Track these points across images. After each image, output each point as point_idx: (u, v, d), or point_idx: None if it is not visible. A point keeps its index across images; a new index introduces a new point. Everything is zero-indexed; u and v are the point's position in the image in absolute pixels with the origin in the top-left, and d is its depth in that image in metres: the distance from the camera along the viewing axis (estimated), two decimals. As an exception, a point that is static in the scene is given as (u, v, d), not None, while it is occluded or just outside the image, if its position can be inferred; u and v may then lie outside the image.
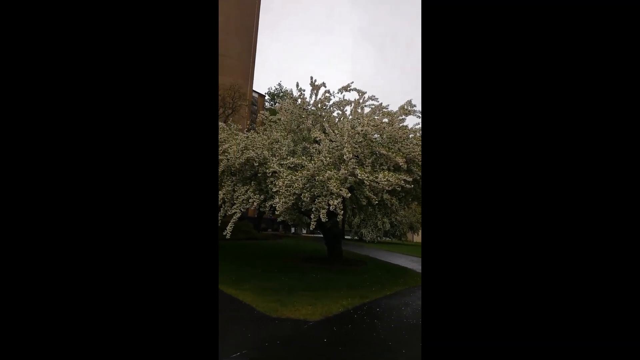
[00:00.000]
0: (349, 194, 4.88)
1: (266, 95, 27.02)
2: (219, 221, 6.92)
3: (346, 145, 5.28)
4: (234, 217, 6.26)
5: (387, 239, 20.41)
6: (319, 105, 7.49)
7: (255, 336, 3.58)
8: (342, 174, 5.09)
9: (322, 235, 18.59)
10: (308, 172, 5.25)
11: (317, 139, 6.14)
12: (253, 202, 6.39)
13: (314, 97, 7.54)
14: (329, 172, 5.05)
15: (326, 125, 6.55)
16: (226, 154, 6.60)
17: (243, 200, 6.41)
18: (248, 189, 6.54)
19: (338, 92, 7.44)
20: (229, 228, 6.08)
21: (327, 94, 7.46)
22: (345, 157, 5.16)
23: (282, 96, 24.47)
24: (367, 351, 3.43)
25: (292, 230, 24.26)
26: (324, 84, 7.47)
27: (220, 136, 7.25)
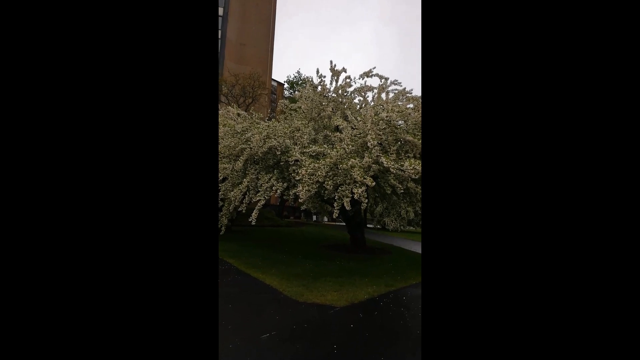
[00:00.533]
0: (374, 183, 4.81)
1: (285, 83, 26.90)
2: (244, 208, 7.15)
3: (370, 132, 5.16)
4: (259, 204, 6.41)
5: (411, 227, 20.15)
6: (340, 91, 7.34)
7: (283, 319, 3.71)
8: (366, 162, 5.01)
9: (344, 224, 18.64)
10: (331, 160, 5.22)
11: (340, 126, 6.05)
12: (276, 190, 6.50)
13: (334, 83, 7.40)
14: (352, 160, 4.99)
15: (348, 112, 6.42)
16: (249, 142, 6.71)
17: (266, 188, 6.53)
18: (271, 177, 6.65)
19: (359, 78, 7.25)
20: (254, 214, 6.25)
21: (347, 80, 7.28)
22: (369, 144, 5.06)
23: (301, 84, 24.24)
24: (394, 339, 3.45)
25: (314, 218, 24.55)
26: (344, 70, 7.28)
27: (242, 125, 7.36)
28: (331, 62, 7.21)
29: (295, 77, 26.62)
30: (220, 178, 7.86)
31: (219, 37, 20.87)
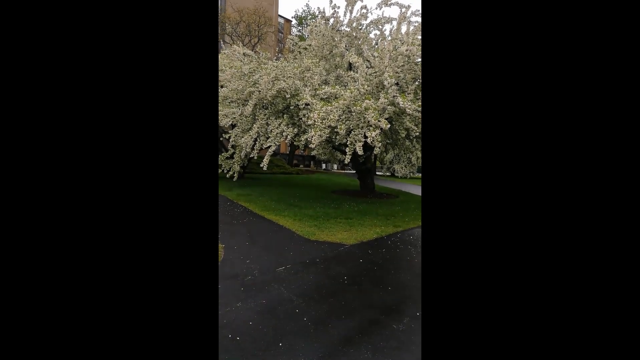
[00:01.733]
0: (389, 125, 4.62)
1: (293, 19, 24.48)
2: (256, 155, 7.17)
3: (387, 69, 4.77)
4: (269, 151, 6.40)
5: (420, 174, 20.15)
6: (354, 24, 6.62)
7: (297, 255, 3.98)
8: (382, 103, 4.74)
9: (353, 172, 18.68)
10: (344, 103, 4.97)
11: (354, 64, 5.61)
12: (286, 136, 6.39)
13: (348, 15, 6.65)
14: (367, 101, 4.73)
15: (364, 47, 5.88)
16: (257, 85, 6.40)
17: (277, 133, 6.43)
18: (281, 122, 6.49)
19: (376, 8, 6.45)
20: (266, 160, 6.29)
21: (363, 11, 6.50)
22: (385, 83, 4.72)
23: (310, 19, 22.02)
24: (399, 271, 3.69)
25: (324, 166, 24.72)
26: (360, -2, 6.45)
27: (248, 66, 6.94)
28: (345, -12, 6.36)
29: (304, 11, 24.08)
30: (230, 124, 7.75)
31: (218, -37, 18.47)
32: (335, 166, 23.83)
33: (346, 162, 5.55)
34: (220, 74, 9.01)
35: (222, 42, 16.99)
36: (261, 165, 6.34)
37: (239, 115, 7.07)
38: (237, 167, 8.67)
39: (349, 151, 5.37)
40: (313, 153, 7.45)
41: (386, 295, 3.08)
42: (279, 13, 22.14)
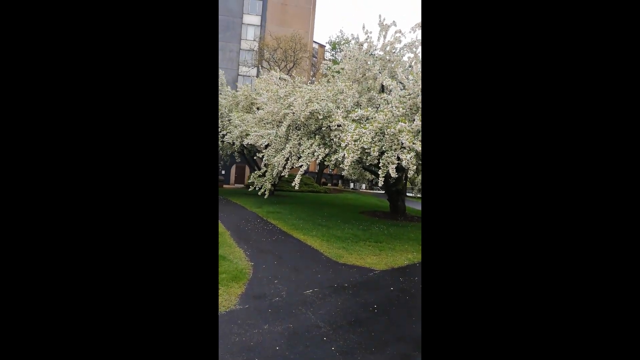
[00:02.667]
0: (423, 148, 4.49)
1: (327, 45, 25.60)
2: (287, 174, 7.34)
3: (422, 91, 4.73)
4: (301, 170, 6.52)
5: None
6: (388, 48, 6.74)
7: (324, 277, 3.89)
8: (416, 125, 4.67)
9: (381, 192, 18.28)
10: (377, 125, 4.97)
11: (389, 87, 5.64)
12: (318, 156, 6.49)
13: (381, 39, 6.78)
14: (401, 123, 4.68)
15: (398, 70, 5.91)
16: (291, 107, 6.66)
17: (308, 153, 6.56)
18: (313, 143, 6.62)
19: (410, 32, 6.52)
20: (297, 179, 6.39)
21: (397, 35, 6.61)
22: (420, 105, 4.66)
23: (343, 44, 22.86)
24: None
25: (352, 185, 24.55)
26: (394, 23, 6.59)
27: (284, 90, 7.28)
28: (380, 16, 6.55)
29: (337, 37, 25.11)
30: (264, 144, 8.07)
31: (260, -3, 20.17)
32: (363, 186, 23.53)
33: (379, 184, 5.46)
34: (257, 97, 9.55)
35: (260, 68, 18.16)
36: (292, 184, 6.46)
37: (274, 136, 7.36)
38: (268, 185, 8.91)
39: (382, 173, 5.29)
40: (343, 173, 7.45)
41: (419, 327, 2.86)
42: (314, 39, 23.31)
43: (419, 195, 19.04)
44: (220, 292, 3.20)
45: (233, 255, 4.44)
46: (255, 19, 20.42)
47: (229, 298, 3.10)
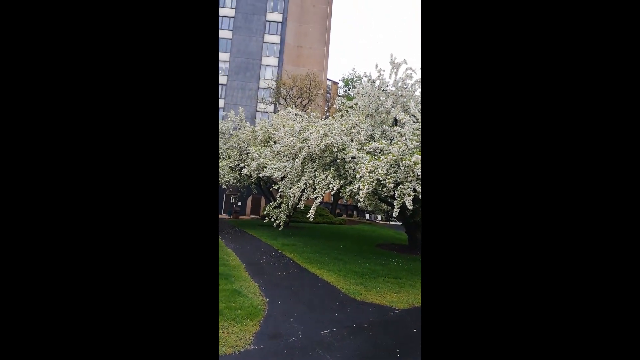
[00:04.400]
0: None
1: (340, 81, 26.94)
2: (302, 205, 7.38)
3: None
4: (316, 202, 6.54)
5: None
6: (399, 84, 7.01)
7: (342, 316, 3.70)
8: (430, 157, 4.68)
9: (398, 223, 17.74)
10: (392, 157, 5.01)
11: (402, 120, 5.78)
12: (333, 188, 6.54)
13: (393, 76, 7.10)
14: (416, 155, 4.71)
15: (411, 104, 6.09)
16: (307, 141, 6.89)
17: (323, 185, 6.62)
18: (328, 175, 6.71)
19: (421, 68, 6.81)
20: (312, 211, 6.39)
21: (409, 72, 6.91)
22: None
23: (356, 81, 24.00)
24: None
25: (367, 216, 24.13)
26: (405, 61, 6.92)
27: (300, 124, 7.60)
28: (391, 55, 6.93)
29: (350, 74, 26.44)
30: (280, 176, 8.26)
31: (279, 42, 21.97)
32: (379, 217, 23.06)
33: (394, 215, 5.36)
34: (274, 131, 9.99)
35: (277, 104, 19.17)
36: (307, 216, 6.45)
37: (290, 169, 7.53)
38: (283, 217, 8.94)
39: (397, 204, 5.22)
40: (359, 204, 7.40)
41: (449, 379, 2.60)
42: (328, 77, 24.66)
43: (437, 227, 18.32)
44: (234, 329, 3.10)
45: (248, 290, 4.35)
46: (273, 60, 22.03)
47: (243, 337, 2.99)
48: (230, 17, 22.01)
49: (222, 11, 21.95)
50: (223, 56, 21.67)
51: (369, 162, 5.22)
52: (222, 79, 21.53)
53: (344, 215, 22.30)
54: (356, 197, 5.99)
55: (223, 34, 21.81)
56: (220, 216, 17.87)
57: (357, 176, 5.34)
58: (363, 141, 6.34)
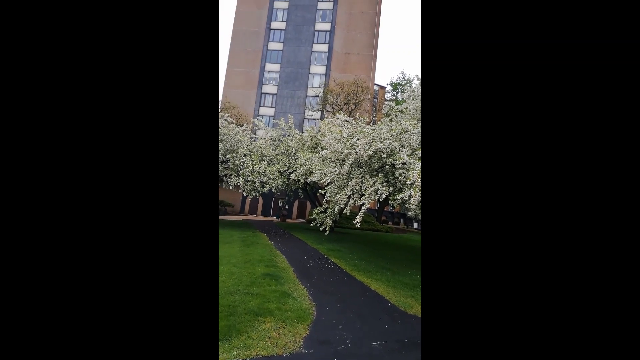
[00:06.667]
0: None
1: (387, 86, 26.38)
2: (348, 210, 7.33)
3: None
4: (363, 208, 6.44)
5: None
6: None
7: (392, 329, 3.54)
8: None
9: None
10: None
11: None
12: (381, 194, 6.37)
13: (449, 78, 6.68)
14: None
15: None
16: (355, 147, 6.85)
17: (371, 192, 6.49)
18: (376, 181, 6.56)
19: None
20: (359, 217, 6.30)
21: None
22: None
23: (405, 84, 23.26)
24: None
25: (415, 225, 22.96)
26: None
27: (347, 131, 7.59)
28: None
29: (399, 77, 25.74)
30: (327, 182, 8.34)
31: (327, 50, 22.49)
32: (429, 227, 21.70)
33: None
34: (322, 138, 10.18)
35: (324, 111, 19.54)
36: (354, 222, 6.38)
37: (337, 174, 7.56)
38: (329, 222, 8.98)
39: (453, 215, 4.85)
40: (408, 213, 7.07)
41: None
42: (375, 81, 24.36)
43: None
44: (285, 331, 3.17)
45: (297, 293, 4.43)
46: (321, 69, 22.58)
47: (294, 339, 3.05)
48: (281, 29, 23.23)
49: (274, 25, 23.29)
50: (274, 67, 22.91)
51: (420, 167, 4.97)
52: (272, 89, 22.74)
53: (390, 222, 21.55)
54: (406, 205, 5.74)
55: (275, 46, 23.09)
56: (268, 218, 18.72)
57: (408, 182, 5.12)
58: (415, 146, 6.07)
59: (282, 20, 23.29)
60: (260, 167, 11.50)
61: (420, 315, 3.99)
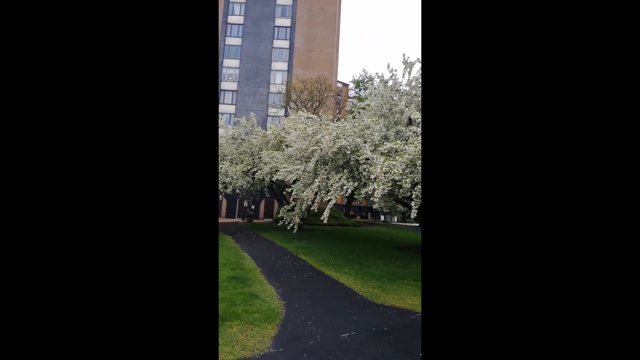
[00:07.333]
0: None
1: (350, 83, 26.91)
2: (316, 207, 7.36)
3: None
4: (330, 204, 6.50)
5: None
6: (414, 83, 6.90)
7: (361, 319, 3.63)
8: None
9: (416, 224, 17.39)
10: (408, 157, 4.92)
11: (417, 120, 5.67)
12: (347, 190, 6.48)
13: (406, 76, 7.00)
14: (432, 154, 4.61)
15: (424, 103, 5.97)
16: (319, 144, 6.87)
17: (337, 187, 6.58)
18: (341, 177, 6.66)
19: (435, 66, 6.69)
20: (326, 213, 6.35)
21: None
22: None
23: (367, 82, 23.91)
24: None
25: (382, 218, 23.86)
26: (418, 60, 6.82)
27: (312, 128, 7.60)
28: (404, 54, 6.85)
29: (361, 75, 26.40)
30: (293, 179, 8.28)
31: (288, 47, 22.20)
32: (395, 218, 22.75)
33: (412, 217, 5.25)
34: (286, 135, 10.06)
35: (287, 108, 19.33)
36: (321, 219, 6.42)
37: (302, 172, 7.53)
38: (297, 219, 8.94)
39: (415, 205, 5.11)
40: (374, 206, 7.30)
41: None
42: (338, 79, 24.69)
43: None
44: (253, 333, 3.09)
45: (265, 294, 4.35)
46: (283, 65, 22.27)
47: (262, 340, 2.98)
48: (239, 24, 22.45)
49: (231, 19, 22.43)
50: (233, 63, 22.10)
51: (383, 162, 5.15)
52: (232, 85, 21.94)
53: (358, 217, 22.13)
54: (371, 198, 5.91)
55: (233, 41, 22.26)
56: (234, 220, 18.09)
57: (372, 177, 5.27)
58: (377, 142, 6.27)
59: (240, 15, 22.51)
60: (221, 167, 11.04)
61: (387, 304, 4.15)
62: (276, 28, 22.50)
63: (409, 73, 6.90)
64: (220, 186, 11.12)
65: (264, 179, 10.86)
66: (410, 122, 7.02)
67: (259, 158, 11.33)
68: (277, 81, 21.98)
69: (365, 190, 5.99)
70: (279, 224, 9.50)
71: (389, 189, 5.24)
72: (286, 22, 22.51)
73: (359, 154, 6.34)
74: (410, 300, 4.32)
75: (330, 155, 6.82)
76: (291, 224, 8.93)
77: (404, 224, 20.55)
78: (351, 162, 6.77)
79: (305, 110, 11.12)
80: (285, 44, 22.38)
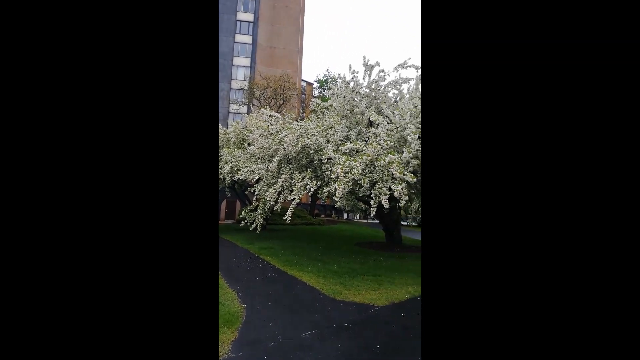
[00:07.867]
0: (415, 179, 4.61)
1: (315, 82, 27.04)
2: (279, 207, 7.28)
3: (409, 125, 4.95)
4: (293, 203, 6.49)
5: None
6: (373, 86, 7.16)
7: (323, 317, 3.69)
8: (405, 157, 4.82)
9: (376, 221, 18.08)
10: (367, 157, 5.10)
11: (376, 122, 5.90)
12: (310, 189, 6.52)
13: (367, 78, 7.23)
14: (390, 156, 4.83)
15: (384, 106, 6.24)
16: (282, 143, 6.82)
17: (300, 187, 6.59)
18: (305, 176, 6.69)
19: (393, 71, 7.01)
20: (289, 213, 6.33)
21: (381, 74, 7.08)
22: (408, 138, 4.86)
23: (331, 82, 24.22)
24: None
25: (345, 215, 24.42)
26: (377, 63, 7.09)
27: (275, 126, 7.50)
28: (364, 57, 7.06)
29: (324, 75, 26.64)
30: (255, 179, 8.09)
31: (250, 42, 21.57)
32: (357, 216, 23.42)
33: (371, 215, 5.46)
34: (248, 133, 9.79)
35: (250, 105, 18.80)
36: (284, 218, 6.38)
37: (265, 171, 7.41)
38: (260, 220, 8.77)
39: (374, 203, 5.32)
40: (336, 205, 7.45)
41: (427, 371, 2.68)
42: (302, 77, 24.63)
43: (414, 224, 19.02)
44: (211, 340, 2.97)
45: (224, 297, 4.20)
46: (245, 61, 21.61)
47: (221, 345, 2.88)
48: (199, 15, 21.24)
49: (190, 9, 21.13)
50: (192, 56, 20.87)
51: (344, 162, 5.27)
52: (192, 80, 20.72)
53: (322, 215, 22.37)
54: (333, 197, 6.03)
55: (192, 32, 20.99)
56: (193, 222, 17.10)
57: (333, 176, 5.37)
58: (339, 142, 6.39)
59: (200, 5, 21.29)
60: (179, 166, 10.38)
61: (348, 300, 4.27)
62: (238, 22, 21.74)
63: (369, 76, 7.14)
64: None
65: (225, 179, 10.45)
66: (370, 123, 7.27)
67: (220, 156, 10.89)
68: (239, 77, 21.27)
69: (327, 189, 6.08)
70: (241, 225, 9.23)
71: (350, 188, 5.39)
72: (249, 16, 21.86)
73: (322, 153, 6.41)
74: (369, 295, 4.50)
75: (294, 155, 6.80)
76: (254, 225, 8.73)
77: (366, 221, 21.28)
78: (314, 162, 6.83)
79: (268, 107, 10.91)
80: (247, 39, 21.73)
